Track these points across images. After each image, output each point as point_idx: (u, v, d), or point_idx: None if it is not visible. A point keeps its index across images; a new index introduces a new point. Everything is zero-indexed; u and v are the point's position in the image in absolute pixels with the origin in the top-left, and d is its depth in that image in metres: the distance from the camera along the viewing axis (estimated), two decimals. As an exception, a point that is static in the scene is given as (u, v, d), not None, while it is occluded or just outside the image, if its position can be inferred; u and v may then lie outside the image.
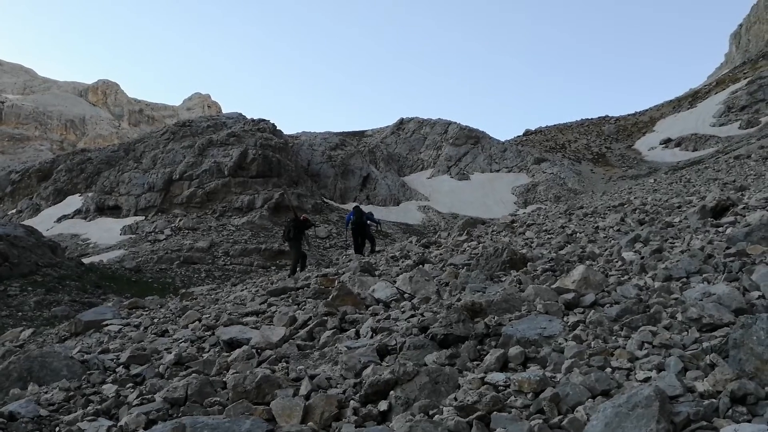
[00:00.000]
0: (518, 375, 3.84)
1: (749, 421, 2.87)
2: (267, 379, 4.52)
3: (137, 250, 37.68)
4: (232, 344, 6.59)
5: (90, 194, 52.55)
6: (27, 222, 44.00)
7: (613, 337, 4.33)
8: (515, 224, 14.52)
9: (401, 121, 71.28)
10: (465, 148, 64.39)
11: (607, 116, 78.08)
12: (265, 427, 3.88)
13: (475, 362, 4.48)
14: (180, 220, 43.82)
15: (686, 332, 4.08)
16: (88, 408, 5.04)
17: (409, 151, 66.75)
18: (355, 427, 3.78)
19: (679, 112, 68.66)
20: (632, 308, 4.75)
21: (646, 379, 3.46)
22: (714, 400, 3.07)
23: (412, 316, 6.10)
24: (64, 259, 28.43)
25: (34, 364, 6.42)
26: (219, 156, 50.55)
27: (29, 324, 16.96)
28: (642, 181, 33.94)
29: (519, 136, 76.07)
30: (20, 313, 20.09)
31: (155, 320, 10.61)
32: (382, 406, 3.98)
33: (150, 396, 4.99)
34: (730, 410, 2.98)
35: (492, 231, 13.90)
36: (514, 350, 4.31)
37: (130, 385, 5.64)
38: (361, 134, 72.54)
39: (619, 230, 9.79)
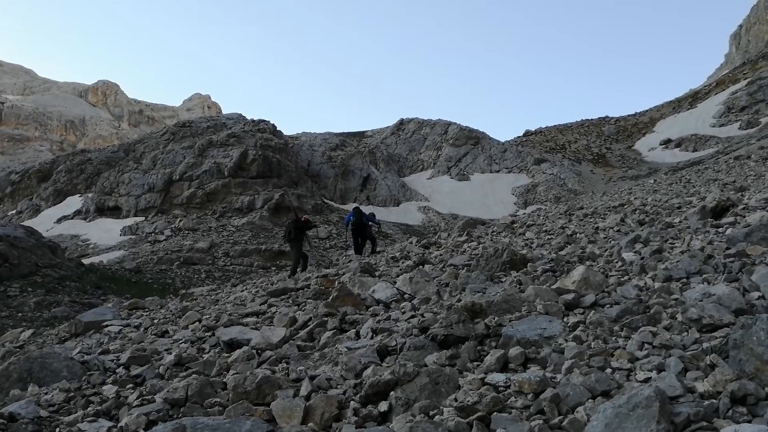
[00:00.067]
0: (518, 376, 3.84)
1: (749, 422, 2.87)
2: (267, 379, 4.52)
3: (137, 250, 37.68)
4: (232, 345, 6.59)
5: (90, 195, 52.56)
6: (27, 223, 44.01)
7: (614, 338, 4.33)
8: (515, 225, 14.52)
9: (401, 122, 71.31)
10: (465, 148, 64.40)
11: (607, 117, 78.11)
12: (266, 427, 3.88)
13: (475, 363, 4.48)
14: (180, 221, 43.83)
15: (686, 333, 4.08)
16: (89, 409, 5.04)
17: (409, 151, 66.76)
18: (356, 427, 3.78)
19: (679, 112, 68.67)
20: (632, 309, 4.75)
21: (647, 380, 3.46)
22: (714, 400, 3.07)
23: (413, 316, 6.10)
24: (64, 260, 28.42)
25: (34, 365, 6.42)
26: (219, 157, 50.56)
27: (29, 325, 16.95)
28: (642, 182, 33.96)
29: (519, 137, 76.07)
30: (20, 314, 20.09)
31: (155, 321, 10.61)
32: (383, 406, 3.98)
33: (150, 397, 4.99)
34: (731, 411, 2.98)
35: (492, 232, 13.90)
36: (514, 351, 4.32)
37: (131, 385, 5.64)
38: (361, 135, 72.57)
39: (619, 231, 9.79)
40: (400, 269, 9.90)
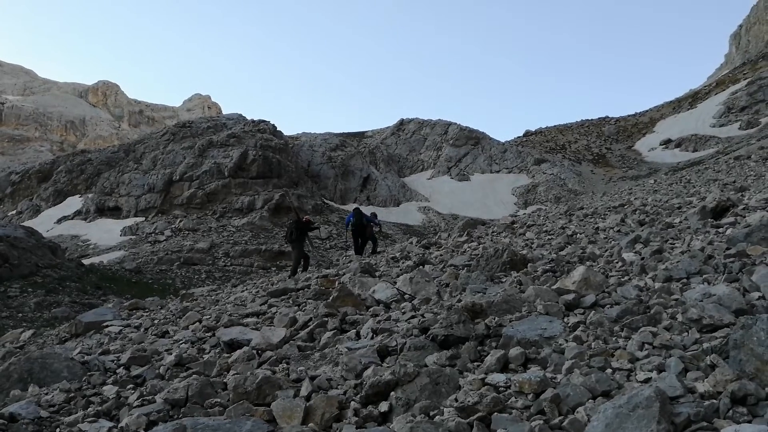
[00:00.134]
0: (519, 376, 3.84)
1: (750, 422, 2.87)
2: (267, 380, 4.52)
3: (137, 251, 37.69)
4: (232, 345, 6.59)
5: (90, 195, 52.59)
6: (27, 223, 44.03)
7: (614, 338, 4.33)
8: (515, 225, 14.51)
9: (401, 122, 71.33)
10: (465, 148, 64.41)
11: (607, 117, 78.12)
12: (266, 428, 3.88)
13: (475, 363, 4.48)
14: (180, 221, 43.84)
15: (686, 333, 4.08)
16: (89, 409, 5.04)
17: (409, 152, 66.78)
18: (356, 428, 3.78)
19: (679, 112, 68.68)
20: (632, 309, 4.75)
21: (647, 380, 3.46)
22: (714, 400, 3.07)
23: (413, 317, 6.10)
24: (65, 261, 28.43)
25: (34, 365, 6.43)
26: (219, 157, 50.59)
27: (29, 325, 16.95)
28: (642, 182, 33.96)
29: (519, 137, 76.07)
30: (20, 315, 20.09)
31: (155, 321, 10.62)
32: (383, 407, 3.98)
33: (151, 397, 4.99)
34: (731, 411, 2.98)
35: (492, 232, 13.89)
36: (514, 351, 4.32)
37: (131, 386, 5.64)
38: (361, 135, 72.60)
39: (619, 231, 9.78)
40: (401, 269, 9.90)
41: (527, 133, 77.38)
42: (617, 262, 6.88)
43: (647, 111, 76.22)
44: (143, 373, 6.01)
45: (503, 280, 7.30)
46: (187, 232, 41.55)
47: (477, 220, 28.68)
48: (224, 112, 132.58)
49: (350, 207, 47.92)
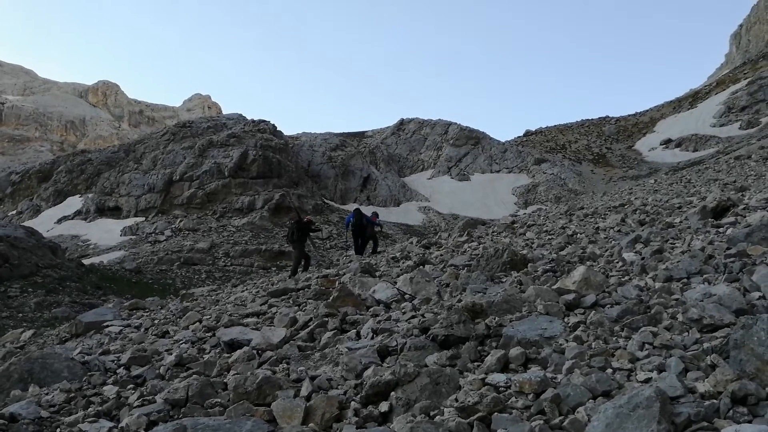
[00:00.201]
0: (519, 376, 3.84)
1: (750, 422, 2.87)
2: (268, 380, 4.52)
3: (137, 251, 37.70)
4: (232, 345, 6.59)
5: (90, 195, 52.60)
6: (27, 223, 44.03)
7: (614, 338, 4.33)
8: (516, 225, 14.51)
9: (401, 122, 71.33)
10: (465, 148, 64.41)
11: (608, 117, 78.11)
12: (266, 428, 3.88)
13: (475, 363, 4.48)
14: (180, 221, 43.85)
15: (687, 333, 4.08)
16: (89, 409, 5.04)
17: (409, 151, 66.78)
18: (356, 428, 3.78)
19: (680, 112, 68.67)
20: (633, 309, 4.75)
21: (647, 380, 3.46)
22: (715, 400, 3.07)
23: (413, 317, 6.10)
24: (65, 261, 28.44)
25: (34, 365, 6.43)
26: (219, 157, 50.59)
27: (30, 325, 16.95)
28: (642, 182, 33.95)
29: (519, 137, 76.07)
30: (21, 315, 20.10)
31: (156, 321, 10.62)
32: (383, 407, 3.98)
33: (151, 397, 4.99)
34: (731, 411, 2.98)
35: (492, 232, 13.89)
36: (514, 351, 4.32)
37: (131, 386, 5.64)
38: (361, 135, 72.60)
39: (619, 231, 9.78)
40: (401, 269, 9.90)
41: (527, 133, 77.38)
42: (617, 262, 6.87)
43: (647, 111, 76.21)
44: (143, 373, 6.01)
45: (503, 280, 7.30)
46: (187, 232, 41.56)
47: (477, 220, 28.69)
48: (224, 112, 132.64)
49: (350, 207, 47.94)
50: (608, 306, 5.14)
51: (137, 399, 5.02)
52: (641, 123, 71.65)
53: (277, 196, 45.91)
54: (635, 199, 16.24)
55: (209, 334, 7.65)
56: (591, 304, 5.27)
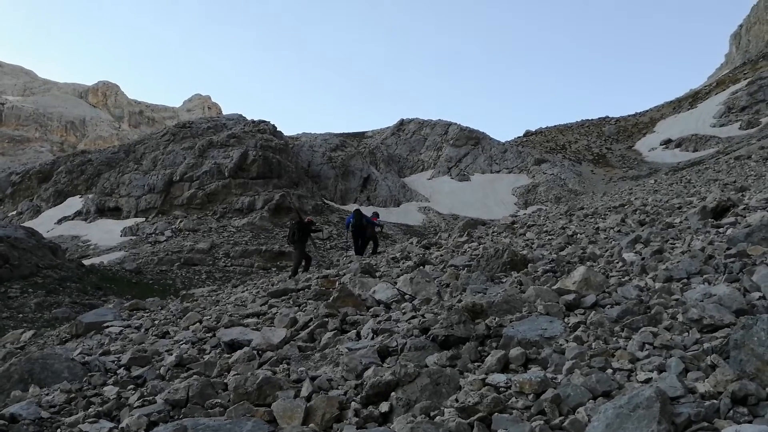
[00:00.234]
0: (519, 376, 3.84)
1: (750, 422, 2.87)
2: (268, 380, 4.52)
3: (138, 251, 37.70)
4: (233, 346, 6.59)
5: (90, 196, 52.60)
6: (27, 224, 44.03)
7: (614, 338, 4.33)
8: (516, 225, 14.51)
9: (401, 122, 71.34)
10: (465, 149, 64.41)
11: (608, 117, 78.12)
12: (267, 428, 3.89)
13: (476, 363, 4.48)
14: (180, 222, 43.84)
15: (687, 333, 4.08)
16: (90, 410, 5.04)
17: (409, 152, 66.78)
18: (357, 428, 3.78)
19: (680, 112, 68.67)
20: (633, 309, 4.75)
21: (647, 380, 3.46)
22: (715, 401, 3.07)
23: (413, 317, 6.10)
24: (65, 261, 28.44)
25: (35, 365, 6.43)
26: (219, 157, 50.59)
27: (30, 326, 16.96)
28: (642, 182, 33.95)
29: (519, 137, 76.08)
30: (21, 315, 20.10)
31: (156, 322, 10.62)
32: (384, 407, 3.98)
33: (151, 398, 4.99)
34: (731, 411, 2.98)
35: (492, 232, 13.90)
36: (515, 351, 4.32)
37: (131, 386, 5.64)
38: (361, 135, 72.61)
39: (619, 231, 9.79)
40: (401, 270, 9.90)
41: (527, 133, 77.39)
42: (618, 263, 6.88)
43: (647, 111, 76.22)
44: (144, 374, 6.01)
45: (504, 280, 7.30)
46: (187, 233, 41.55)
47: (477, 221, 28.69)
48: (224, 112, 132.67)
49: (350, 207, 47.96)
50: (608, 306, 5.14)
51: (137, 399, 5.02)
52: (641, 123, 71.67)
53: (277, 197, 45.91)
54: (635, 199, 16.24)
55: (209, 334, 7.65)
56: (591, 305, 5.28)
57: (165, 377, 5.86)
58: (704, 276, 5.35)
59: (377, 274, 10.06)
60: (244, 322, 7.82)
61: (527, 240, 11.16)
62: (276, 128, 59.27)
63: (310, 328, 6.53)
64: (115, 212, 49.35)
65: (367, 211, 21.29)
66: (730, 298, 4.28)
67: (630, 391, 3.19)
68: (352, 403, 4.14)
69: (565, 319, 5.01)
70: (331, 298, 7.43)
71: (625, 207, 13.54)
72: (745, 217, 8.03)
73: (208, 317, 9.17)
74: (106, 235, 44.55)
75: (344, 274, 10.44)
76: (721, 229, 7.63)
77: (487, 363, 4.27)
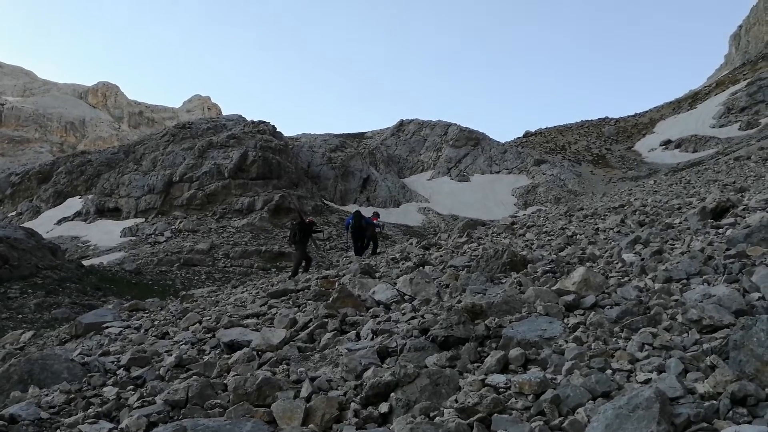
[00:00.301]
0: (519, 377, 3.84)
1: (750, 423, 2.87)
2: (268, 381, 4.52)
3: (137, 252, 37.68)
4: (232, 346, 6.59)
5: (90, 196, 52.59)
6: (27, 224, 44.01)
7: (614, 339, 4.33)
8: (515, 226, 14.52)
9: (401, 123, 71.35)
10: (465, 149, 64.42)
11: (607, 118, 78.14)
12: (266, 429, 3.89)
13: (475, 364, 4.48)
14: (180, 222, 43.83)
15: (686, 334, 4.08)
16: (89, 410, 5.04)
17: (409, 152, 66.79)
18: (356, 429, 3.78)
19: (679, 113, 68.69)
20: (632, 310, 4.75)
21: (647, 381, 3.46)
22: (714, 401, 3.07)
23: (413, 318, 6.11)
24: (64, 262, 28.43)
25: (34, 366, 6.43)
26: (219, 158, 50.57)
27: (29, 326, 16.96)
28: (642, 183, 33.96)
29: (519, 138, 76.12)
30: (20, 316, 20.10)
31: (156, 322, 10.62)
32: (383, 408, 3.98)
33: (151, 398, 4.99)
34: (731, 411, 2.98)
35: (492, 233, 13.90)
36: (514, 352, 4.32)
37: (131, 387, 5.64)
38: (361, 136, 72.62)
39: (619, 232, 9.79)
40: (401, 270, 9.91)
41: (527, 134, 77.42)
42: (617, 263, 6.88)
43: (647, 112, 76.25)
44: (143, 375, 6.01)
45: (503, 281, 7.30)
46: (187, 233, 41.54)
47: (477, 221, 28.70)
48: (224, 113, 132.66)
49: (350, 208, 47.99)
50: (608, 307, 5.14)
51: (137, 400, 5.02)
52: (641, 124, 71.69)
53: (276, 197, 45.90)
54: (635, 200, 16.25)
55: (209, 335, 7.65)
56: (590, 305, 5.28)
57: (164, 378, 5.86)
58: (704, 277, 5.36)
59: (377, 274, 10.07)
60: (243, 323, 7.82)
61: (527, 241, 11.17)
62: (276, 129, 59.25)
63: (309, 329, 6.53)
64: (115, 213, 49.33)
65: (367, 212, 21.32)
66: (730, 299, 4.28)
67: (629, 391, 3.19)
68: (352, 403, 4.14)
69: (565, 320, 5.01)
70: (331, 299, 7.43)
71: (625, 208, 13.54)
72: (744, 217, 8.03)
73: (208, 318, 9.17)
74: (105, 236, 44.53)
75: (344, 275, 10.45)
76: (720, 230, 7.63)
77: (487, 363, 4.28)
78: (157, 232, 42.72)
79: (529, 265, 7.69)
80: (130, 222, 46.80)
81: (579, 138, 70.77)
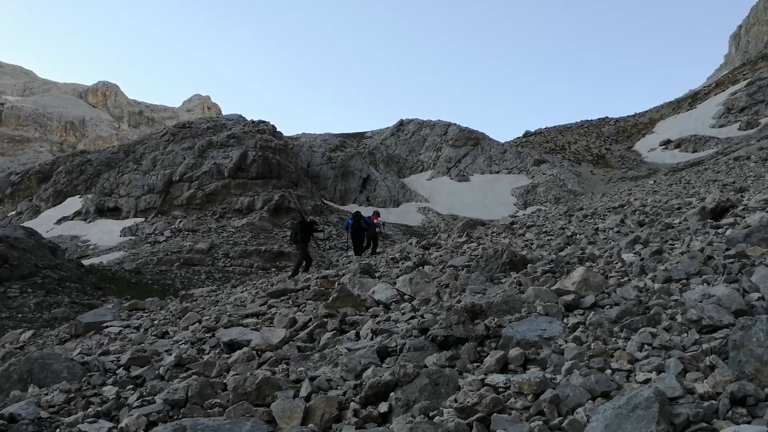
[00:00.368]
0: (518, 376, 3.84)
1: (749, 423, 2.87)
2: (267, 380, 4.52)
3: (137, 251, 37.67)
4: (232, 346, 6.59)
5: (90, 196, 52.59)
6: (27, 224, 43.99)
7: (613, 339, 4.33)
8: (515, 226, 14.52)
9: (401, 123, 71.34)
10: (465, 149, 64.41)
11: (607, 118, 78.14)
12: (266, 428, 3.89)
13: (475, 364, 4.48)
14: (180, 222, 43.82)
15: (686, 334, 4.08)
16: (89, 410, 5.04)
17: (408, 152, 66.77)
18: (356, 428, 3.78)
19: (679, 113, 68.70)
20: (632, 310, 4.75)
21: (646, 381, 3.46)
22: (714, 401, 3.08)
23: (412, 317, 6.11)
24: (64, 261, 28.43)
25: (34, 365, 6.43)
26: (219, 157, 50.56)
27: (29, 326, 16.96)
28: (642, 183, 33.96)
29: (519, 138, 76.14)
30: (20, 315, 20.09)
31: (155, 322, 10.62)
32: (383, 407, 3.98)
33: (150, 398, 4.99)
34: (730, 412, 2.98)
35: (492, 232, 13.91)
36: (514, 352, 4.32)
37: (131, 386, 5.64)
38: (360, 136, 72.61)
39: (618, 232, 9.79)
40: (400, 270, 9.91)
41: (527, 134, 77.43)
42: (617, 263, 6.88)
43: (647, 112, 76.25)
44: (143, 374, 6.01)
45: (503, 280, 7.30)
46: (186, 233, 41.53)
47: (476, 221, 28.71)
48: (224, 112, 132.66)
49: (350, 207, 48.02)
50: (607, 307, 5.14)
51: (137, 399, 5.02)
52: (640, 124, 71.69)
53: (276, 197, 45.90)
54: (634, 200, 16.25)
55: (209, 334, 7.65)
56: (590, 305, 5.28)
57: (164, 377, 5.86)
58: (703, 277, 5.36)
59: (376, 274, 10.07)
60: (243, 323, 7.82)
61: (526, 240, 11.17)
62: (275, 128, 59.24)
63: (309, 329, 6.53)
64: (115, 212, 49.32)
65: (367, 212, 21.33)
66: (729, 299, 4.28)
67: (629, 391, 3.19)
68: (351, 403, 4.14)
69: (564, 320, 5.01)
70: (331, 299, 7.43)
71: (625, 208, 13.55)
72: (744, 217, 8.04)
73: (208, 317, 9.17)
74: (105, 236, 44.53)
75: (343, 275, 10.44)
76: (720, 230, 7.64)
77: (486, 363, 4.28)
78: (156, 232, 42.71)
79: (528, 265, 7.69)
80: (129, 221, 46.79)
81: (579, 138, 70.77)
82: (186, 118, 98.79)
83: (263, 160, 49.88)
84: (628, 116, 76.74)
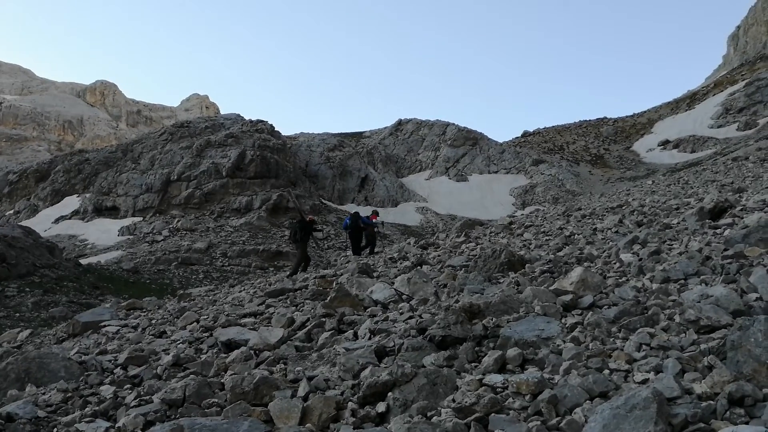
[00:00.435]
0: (516, 377, 3.84)
1: (747, 423, 2.87)
2: (265, 380, 4.51)
3: (135, 251, 37.64)
4: (230, 345, 6.58)
5: (88, 195, 52.53)
6: (25, 223, 43.94)
7: (611, 339, 4.33)
8: (513, 226, 14.53)
9: (399, 122, 71.33)
10: (463, 149, 64.43)
11: (606, 118, 78.24)
12: (263, 428, 3.88)
13: (473, 364, 4.48)
14: (178, 221, 43.79)
15: (684, 334, 4.08)
16: (86, 409, 5.03)
17: (407, 152, 66.77)
18: (354, 428, 3.78)
19: (677, 113, 68.81)
20: (630, 310, 4.75)
21: (644, 381, 3.46)
22: (712, 401, 3.08)
23: (411, 317, 6.10)
24: (62, 260, 28.39)
25: (31, 365, 6.41)
26: (217, 157, 50.53)
27: (27, 325, 16.92)
28: (640, 183, 33.99)
29: (517, 138, 76.20)
30: (18, 314, 20.05)
31: (153, 321, 10.60)
32: (380, 407, 3.97)
33: (148, 397, 4.98)
34: (728, 412, 2.98)
35: (490, 232, 13.91)
36: (512, 352, 4.32)
37: (128, 386, 5.62)
38: (359, 135, 72.59)
39: (617, 232, 9.80)
40: (398, 270, 9.90)
41: (525, 134, 77.49)
42: (615, 263, 6.88)
43: (645, 112, 76.36)
44: (140, 373, 5.99)
45: (501, 280, 7.30)
46: (184, 232, 41.50)
47: (475, 221, 28.70)
48: (222, 112, 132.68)
49: (348, 207, 48.03)
50: (605, 307, 5.14)
51: (134, 399, 5.01)
52: (639, 124, 71.78)
53: (274, 197, 45.89)
54: (633, 200, 16.26)
55: (206, 334, 7.64)
56: (588, 305, 5.28)
57: (162, 377, 5.85)
58: (701, 277, 5.36)
59: (375, 274, 10.06)
60: (241, 322, 7.81)
61: (525, 240, 11.17)
62: (274, 128, 59.21)
63: (307, 328, 6.52)
64: (113, 211, 49.27)
65: (366, 211, 21.36)
66: (727, 299, 4.28)
67: (627, 391, 3.19)
68: (349, 403, 4.13)
69: (563, 320, 5.01)
70: (329, 298, 7.42)
71: (623, 208, 13.56)
72: (742, 218, 8.04)
73: (206, 317, 9.15)
74: (103, 235, 44.48)
75: (341, 274, 10.43)
76: (718, 230, 7.64)
77: (484, 363, 4.27)
78: (154, 231, 42.67)
79: (526, 265, 7.69)
80: (127, 221, 46.74)
81: (577, 138, 70.84)
82: (184, 118, 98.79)
83: (261, 159, 49.86)
84: (627, 116, 76.85)
